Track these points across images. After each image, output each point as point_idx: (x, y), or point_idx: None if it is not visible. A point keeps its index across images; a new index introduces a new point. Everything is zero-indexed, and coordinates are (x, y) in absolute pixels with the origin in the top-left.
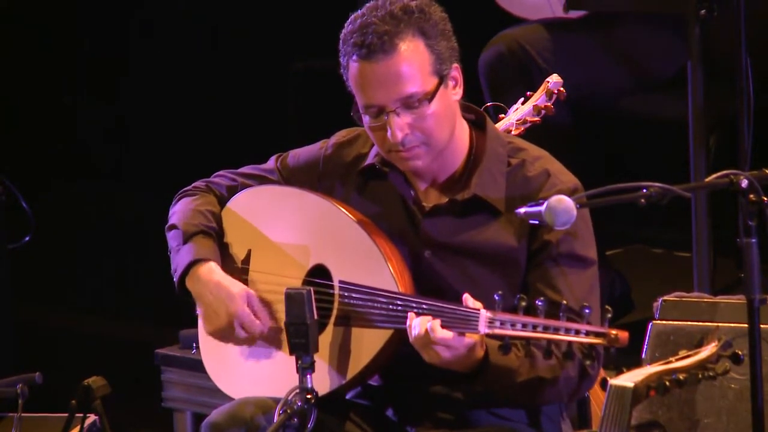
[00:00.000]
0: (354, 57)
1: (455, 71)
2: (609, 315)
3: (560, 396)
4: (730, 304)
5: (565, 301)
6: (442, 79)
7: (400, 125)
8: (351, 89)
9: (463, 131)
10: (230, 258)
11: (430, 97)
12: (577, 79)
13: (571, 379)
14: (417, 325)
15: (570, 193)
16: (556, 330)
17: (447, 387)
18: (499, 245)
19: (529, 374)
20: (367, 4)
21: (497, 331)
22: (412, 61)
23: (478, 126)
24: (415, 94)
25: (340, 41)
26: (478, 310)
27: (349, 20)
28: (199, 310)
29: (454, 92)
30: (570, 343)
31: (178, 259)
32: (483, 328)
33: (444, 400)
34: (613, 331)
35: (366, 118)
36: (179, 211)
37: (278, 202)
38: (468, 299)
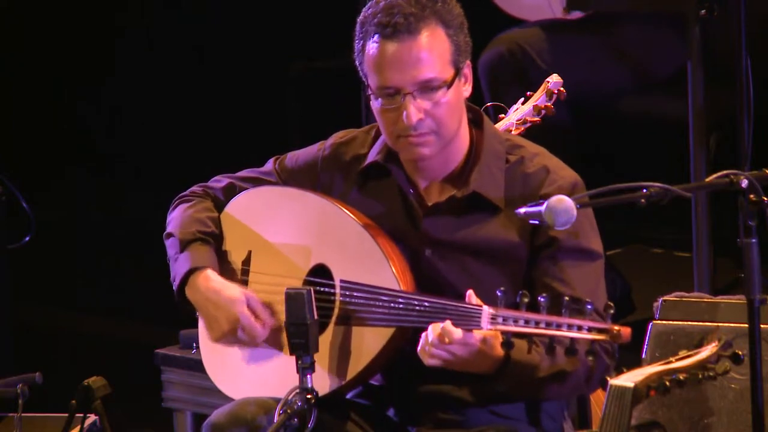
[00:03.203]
0: (376, 37)
1: (467, 68)
2: (611, 311)
3: (579, 384)
4: (730, 304)
5: (567, 298)
6: (458, 71)
7: (416, 107)
8: (365, 73)
9: (464, 129)
10: (230, 260)
11: (448, 85)
12: (576, 79)
13: (587, 367)
14: (430, 333)
15: (570, 188)
16: (559, 326)
17: (448, 386)
18: (500, 242)
19: (550, 369)
20: None
21: (500, 328)
22: (434, 46)
23: (475, 124)
24: (434, 80)
25: (358, 24)
26: (481, 306)
27: (369, 5)
28: (200, 319)
29: (465, 88)
30: (573, 339)
31: (176, 268)
32: (486, 325)
33: (445, 400)
34: (616, 327)
35: (378, 101)
36: (176, 218)
37: (278, 203)
38: (472, 296)
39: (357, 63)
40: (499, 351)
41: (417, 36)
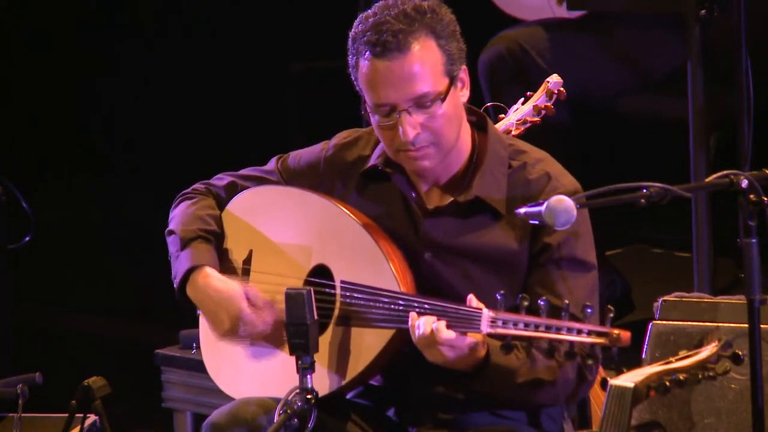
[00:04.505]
0: (367, 55)
1: (463, 73)
2: (611, 315)
3: (557, 398)
4: (730, 304)
5: (567, 301)
6: (452, 80)
7: (412, 124)
8: (360, 88)
9: (466, 133)
10: (231, 259)
11: (442, 97)
12: (576, 78)
13: (569, 382)
14: (422, 324)
15: (570, 196)
16: (558, 329)
17: (448, 387)
18: (500, 248)
19: (528, 375)
20: (378, 4)
21: (499, 331)
22: (425, 60)
23: (479, 127)
24: (428, 94)
25: (350, 40)
26: (481, 309)
27: (359, 19)
28: (201, 318)
29: (461, 94)
30: (572, 342)
31: (177, 266)
32: (485, 328)
33: (445, 401)
34: (615, 331)
35: (375, 117)
36: (178, 215)
37: (279, 203)
38: (472, 300)
39: (352, 78)
40: (482, 352)
41: (407, 52)
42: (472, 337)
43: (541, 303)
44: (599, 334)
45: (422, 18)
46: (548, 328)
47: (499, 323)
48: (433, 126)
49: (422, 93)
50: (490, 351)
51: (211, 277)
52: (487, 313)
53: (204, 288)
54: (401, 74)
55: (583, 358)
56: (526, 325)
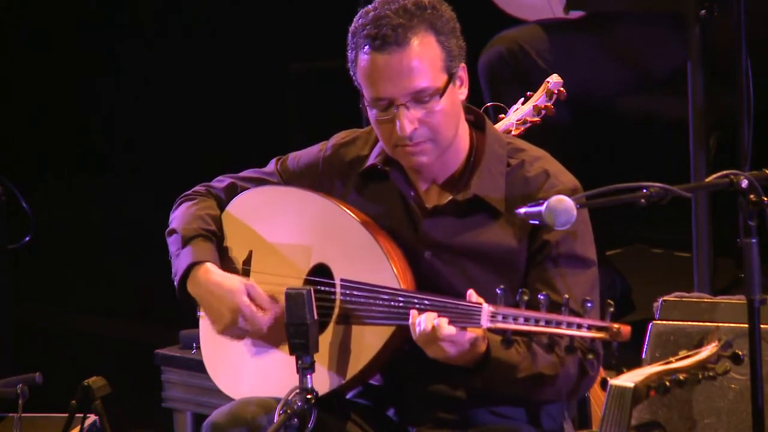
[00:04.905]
0: (366, 49)
1: (462, 71)
2: (611, 309)
3: (559, 394)
4: (730, 304)
5: (566, 296)
6: (451, 77)
7: (410, 118)
8: (359, 83)
9: (464, 131)
10: (231, 259)
11: (440, 92)
12: (576, 78)
13: (570, 377)
14: (423, 321)
15: (569, 194)
16: (558, 324)
17: (448, 386)
18: (499, 246)
19: (529, 370)
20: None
21: (499, 325)
22: (424, 55)
23: (477, 127)
24: (427, 89)
25: (350, 34)
26: (480, 304)
27: (360, 14)
28: (203, 312)
29: (460, 91)
30: (572, 337)
31: (178, 263)
32: (485, 322)
33: (445, 400)
34: (615, 325)
35: (374, 112)
36: (179, 215)
37: (279, 202)
38: (472, 295)
39: (351, 73)
40: (482, 347)
41: (406, 47)
42: (472, 332)
43: (541, 298)
44: (599, 329)
45: (422, 13)
46: (548, 323)
47: (499, 318)
48: (431, 122)
49: (420, 88)
50: (490, 346)
51: (212, 272)
52: (486, 308)
53: (205, 283)
54: (400, 68)
55: (584, 353)
56: (526, 320)
